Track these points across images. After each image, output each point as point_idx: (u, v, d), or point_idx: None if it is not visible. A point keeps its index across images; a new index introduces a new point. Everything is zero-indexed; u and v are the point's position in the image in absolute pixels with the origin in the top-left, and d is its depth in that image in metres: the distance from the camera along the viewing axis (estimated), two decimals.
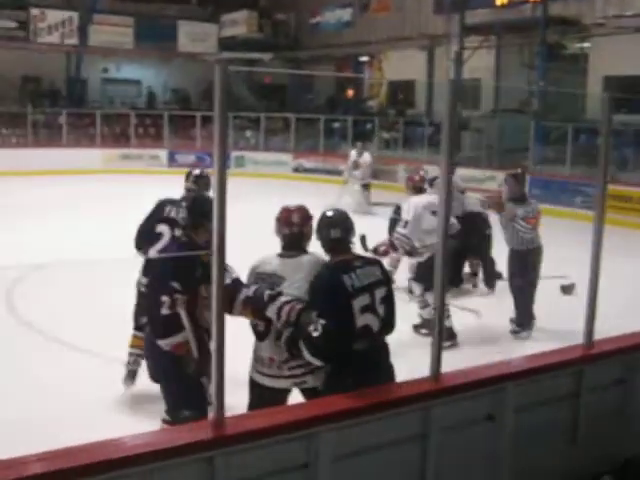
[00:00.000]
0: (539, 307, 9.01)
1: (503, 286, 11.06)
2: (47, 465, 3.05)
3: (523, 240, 8.55)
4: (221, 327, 3.39)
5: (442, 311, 4.13)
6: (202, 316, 4.68)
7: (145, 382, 5.46)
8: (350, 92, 33.34)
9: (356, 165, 18.55)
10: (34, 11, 29.00)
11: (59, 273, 10.80)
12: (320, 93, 33.97)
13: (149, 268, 6.20)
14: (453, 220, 8.04)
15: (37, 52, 29.46)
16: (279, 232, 4.93)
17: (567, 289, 10.41)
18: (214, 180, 3.35)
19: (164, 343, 4.72)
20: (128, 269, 6.84)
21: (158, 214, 6.53)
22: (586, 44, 22.97)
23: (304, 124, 28.73)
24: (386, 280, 4.58)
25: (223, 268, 3.39)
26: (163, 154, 27.56)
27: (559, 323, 8.43)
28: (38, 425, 5.57)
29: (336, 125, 28.42)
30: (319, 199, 19.95)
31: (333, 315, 4.23)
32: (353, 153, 18.84)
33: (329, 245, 4.63)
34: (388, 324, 4.51)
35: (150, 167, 26.57)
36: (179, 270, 4.81)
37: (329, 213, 4.76)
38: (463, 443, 4.27)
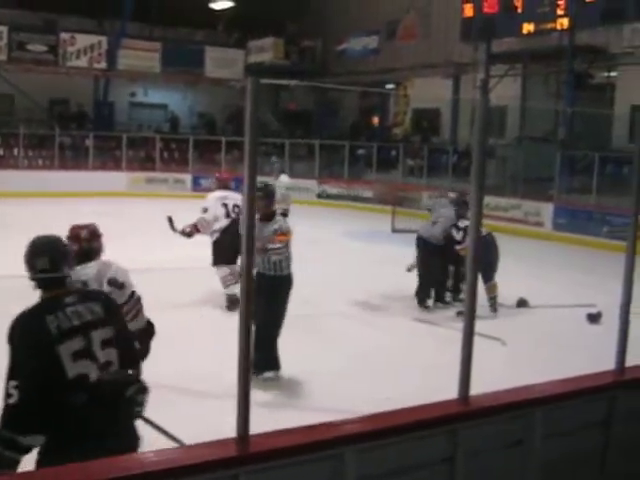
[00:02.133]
0: (567, 334, 8.90)
1: (526, 312, 11.02)
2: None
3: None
4: (247, 337, 3.34)
5: (471, 331, 4.04)
6: None
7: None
8: (375, 119, 33.40)
9: None
10: (64, 35, 29.37)
11: None
12: (345, 120, 34.05)
13: None
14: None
15: (66, 76, 29.79)
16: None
17: (594, 318, 10.29)
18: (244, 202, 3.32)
19: None
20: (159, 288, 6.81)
21: None
22: (613, 73, 22.89)
23: (329, 150, 28.80)
24: (112, 318, 3.75)
25: (251, 295, 3.34)
26: (188, 178, 27.72)
27: (587, 350, 8.29)
28: None
29: (360, 152, 28.46)
30: (343, 225, 20.23)
31: (31, 368, 3.42)
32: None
33: (37, 279, 3.72)
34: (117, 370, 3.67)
35: (174, 191, 26.70)
36: None
37: (36, 239, 3.81)
38: (490, 468, 4.18)
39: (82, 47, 29.65)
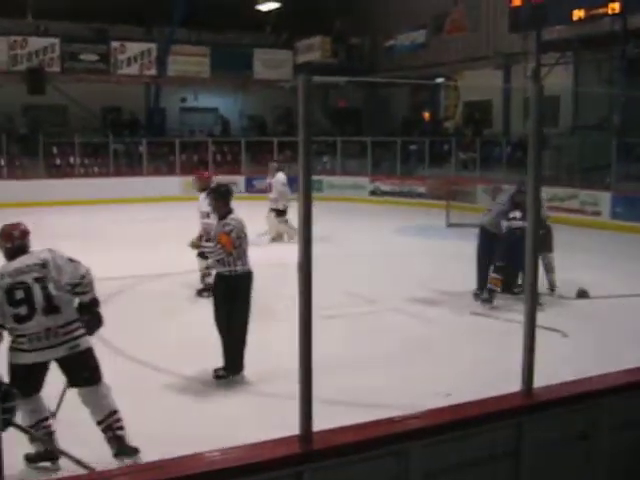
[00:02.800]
0: (628, 324, 8.75)
1: (586, 303, 10.86)
2: (135, 478, 3.05)
3: None
4: (308, 336, 3.35)
5: (533, 322, 4.00)
6: None
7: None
8: (426, 114, 33.22)
9: (269, 188, 16.66)
10: (114, 44, 29.80)
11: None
12: (395, 116, 33.91)
13: None
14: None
15: (117, 84, 30.20)
16: (2, 247, 5.52)
17: None
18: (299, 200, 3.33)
19: None
20: None
21: None
22: None
23: (380, 147, 28.73)
24: None
25: (310, 286, 3.35)
26: (241, 180, 27.86)
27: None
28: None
29: (412, 147, 28.33)
30: (396, 221, 20.19)
31: None
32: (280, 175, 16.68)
33: None
34: None
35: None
36: None
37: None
38: (556, 462, 4.13)
39: (132, 55, 30.05)
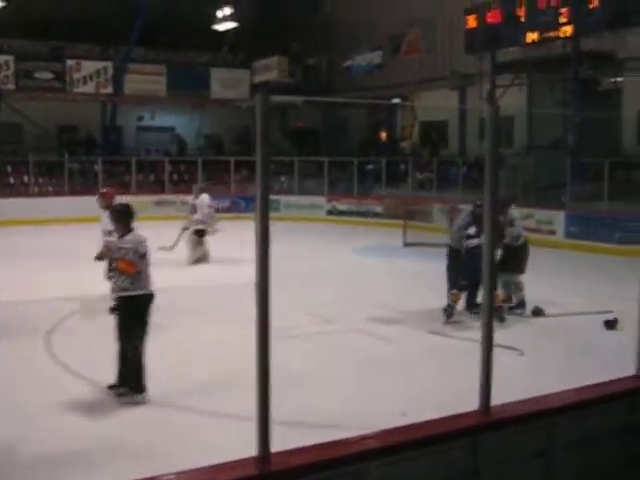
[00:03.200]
0: (584, 342, 8.85)
1: (543, 321, 10.95)
2: None
3: None
4: (265, 357, 3.32)
5: (490, 341, 4.01)
6: None
7: None
8: (383, 134, 33.43)
9: (193, 209, 16.43)
10: (70, 62, 29.58)
11: None
12: (353, 136, 34.07)
13: None
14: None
15: (73, 102, 29.95)
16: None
17: (611, 324, 10.21)
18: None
19: None
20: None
21: None
22: (619, 79, 22.83)
23: (338, 167, 28.81)
24: None
25: (267, 306, 3.33)
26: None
27: (606, 357, 8.24)
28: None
29: (369, 167, 28.45)
30: (354, 241, 20.22)
31: None
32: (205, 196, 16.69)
33: None
34: None
35: (184, 213, 26.65)
36: None
37: None
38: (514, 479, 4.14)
39: (88, 73, 29.86)
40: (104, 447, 6.06)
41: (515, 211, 12.01)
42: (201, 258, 16.15)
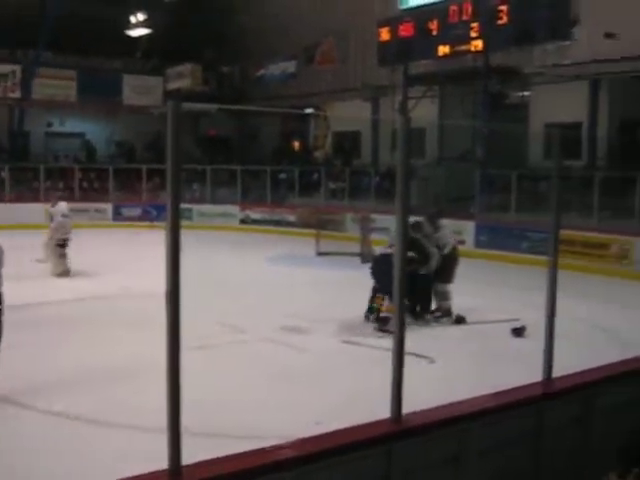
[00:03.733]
0: (493, 349, 9.02)
1: (453, 328, 11.12)
2: None
3: None
4: (176, 368, 3.27)
5: (401, 350, 4.04)
6: None
7: None
8: (296, 143, 33.52)
9: (51, 217, 15.84)
10: None
11: None
12: (266, 145, 34.07)
13: None
14: None
15: None
16: None
17: (518, 331, 10.44)
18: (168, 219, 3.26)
19: None
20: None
21: None
22: (526, 93, 23.45)
23: (251, 176, 28.75)
24: None
25: (178, 316, 3.29)
26: (108, 208, 27.30)
27: (514, 363, 8.41)
28: None
29: (282, 176, 28.49)
30: (267, 250, 20.19)
31: None
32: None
33: None
34: None
35: (95, 221, 26.28)
36: None
37: None
38: None
39: None
40: None
41: (444, 221, 12.35)
42: (65, 271, 15.32)
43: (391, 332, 10.46)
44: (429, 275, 11.40)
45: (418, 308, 11.43)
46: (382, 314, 10.82)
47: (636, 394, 5.30)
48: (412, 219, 11.90)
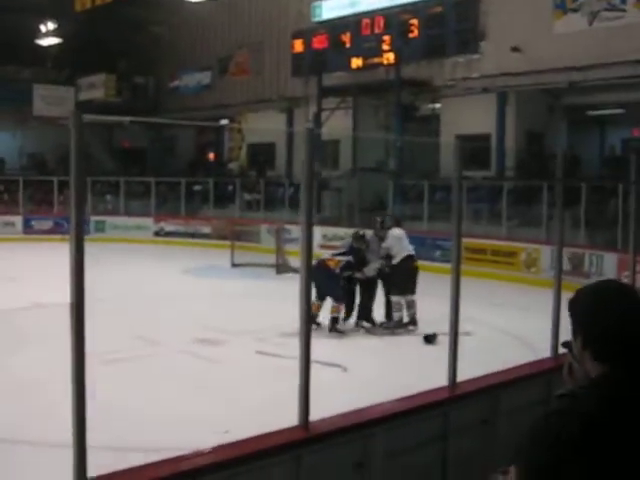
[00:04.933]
0: (403, 355, 9.18)
1: (367, 337, 11.27)
2: None
3: None
4: (81, 381, 3.26)
5: (307, 355, 4.10)
6: None
7: None
8: (211, 155, 33.42)
9: None
10: None
11: None
12: (181, 157, 33.88)
13: None
14: None
15: None
16: None
17: (430, 338, 10.63)
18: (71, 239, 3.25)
19: None
20: None
21: None
22: (437, 105, 23.91)
23: (165, 188, 28.54)
24: None
25: (82, 329, 3.28)
26: (18, 220, 26.73)
27: (424, 369, 8.56)
28: None
29: (197, 188, 28.36)
30: (182, 262, 20.04)
31: None
32: None
33: None
34: None
35: (4, 234, 25.69)
36: None
37: None
38: None
39: None
40: None
41: (396, 231, 11.97)
42: None
43: (340, 331, 10.84)
44: (366, 280, 11.61)
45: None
46: (332, 315, 11.18)
47: (538, 395, 5.46)
48: (357, 230, 12.12)
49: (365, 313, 11.80)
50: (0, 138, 32.97)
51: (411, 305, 11.51)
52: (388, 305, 11.74)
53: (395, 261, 11.57)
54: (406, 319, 11.55)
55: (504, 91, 21.17)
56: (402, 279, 11.43)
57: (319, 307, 11.26)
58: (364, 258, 11.54)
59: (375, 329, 11.68)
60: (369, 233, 12.21)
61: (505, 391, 5.31)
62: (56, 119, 30.73)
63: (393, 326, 11.52)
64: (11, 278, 16.05)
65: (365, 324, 11.76)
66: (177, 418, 7.26)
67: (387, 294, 11.79)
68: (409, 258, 11.66)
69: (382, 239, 11.82)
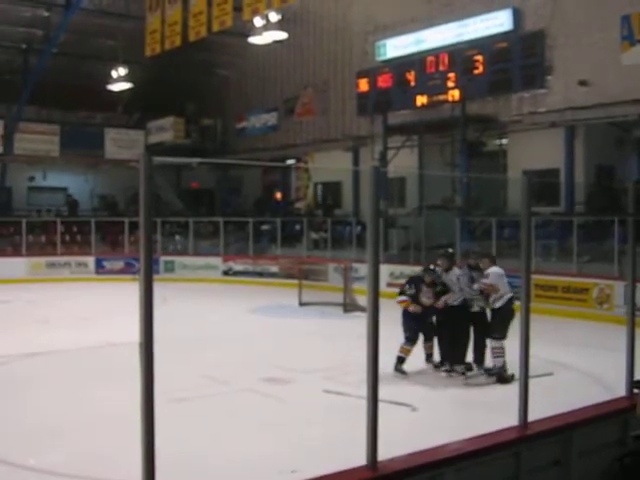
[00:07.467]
0: (467, 393, 9.04)
1: (435, 375, 11.12)
2: None
3: None
4: (150, 420, 3.28)
5: (375, 395, 4.07)
6: None
7: None
8: (278, 195, 33.72)
9: None
10: None
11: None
12: (248, 197, 34.25)
13: None
14: None
15: None
16: None
17: (506, 378, 10.38)
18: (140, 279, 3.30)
19: None
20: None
21: None
22: (504, 140, 23.76)
23: (233, 227, 28.84)
24: None
25: (152, 368, 3.31)
26: (90, 261, 27.27)
27: (489, 407, 8.42)
28: None
29: (265, 227, 28.58)
30: (250, 301, 20.17)
31: None
32: None
33: None
34: None
35: (77, 274, 26.26)
36: None
37: None
38: None
39: None
40: None
41: (496, 269, 10.88)
42: None
43: (404, 372, 10.62)
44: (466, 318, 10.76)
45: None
46: (399, 354, 10.85)
47: (613, 436, 5.32)
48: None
49: (459, 356, 10.79)
50: (73, 181, 33.84)
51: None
52: (482, 349, 10.74)
53: (502, 302, 10.55)
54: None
55: (572, 125, 20.95)
56: (506, 323, 10.36)
57: (431, 347, 11.17)
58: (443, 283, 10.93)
59: (477, 377, 10.66)
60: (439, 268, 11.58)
61: (578, 431, 5.17)
62: (127, 162, 31.46)
63: (497, 372, 10.42)
64: (84, 318, 16.37)
65: (458, 368, 10.75)
66: (243, 457, 7.26)
67: (482, 337, 10.72)
68: (512, 300, 10.48)
69: (473, 279, 10.81)
